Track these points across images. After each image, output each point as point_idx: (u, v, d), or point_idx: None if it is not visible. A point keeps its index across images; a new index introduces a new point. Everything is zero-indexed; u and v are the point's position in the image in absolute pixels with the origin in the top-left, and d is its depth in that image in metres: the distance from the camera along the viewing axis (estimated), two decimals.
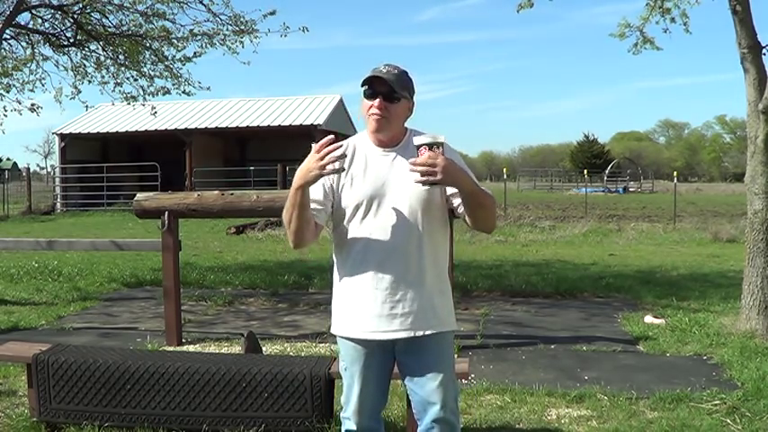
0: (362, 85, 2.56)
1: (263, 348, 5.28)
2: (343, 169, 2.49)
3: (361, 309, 2.59)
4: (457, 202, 2.55)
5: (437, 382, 2.60)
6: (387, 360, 2.68)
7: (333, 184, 2.58)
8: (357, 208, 2.56)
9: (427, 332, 2.58)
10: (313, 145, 2.44)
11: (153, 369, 3.79)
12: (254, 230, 16.46)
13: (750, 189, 6.15)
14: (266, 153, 30.42)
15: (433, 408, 2.60)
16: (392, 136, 2.59)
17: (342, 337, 2.68)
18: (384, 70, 2.54)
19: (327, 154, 2.38)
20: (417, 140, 2.41)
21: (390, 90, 2.52)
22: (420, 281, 2.58)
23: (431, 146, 2.37)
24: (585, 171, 37.00)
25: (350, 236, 2.58)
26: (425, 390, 2.61)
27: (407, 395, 2.96)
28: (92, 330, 6.60)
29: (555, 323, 6.80)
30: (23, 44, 9.45)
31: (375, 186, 2.56)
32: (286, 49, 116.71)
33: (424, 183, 2.38)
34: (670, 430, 3.94)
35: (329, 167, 2.39)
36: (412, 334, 2.58)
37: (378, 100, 2.52)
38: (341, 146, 2.45)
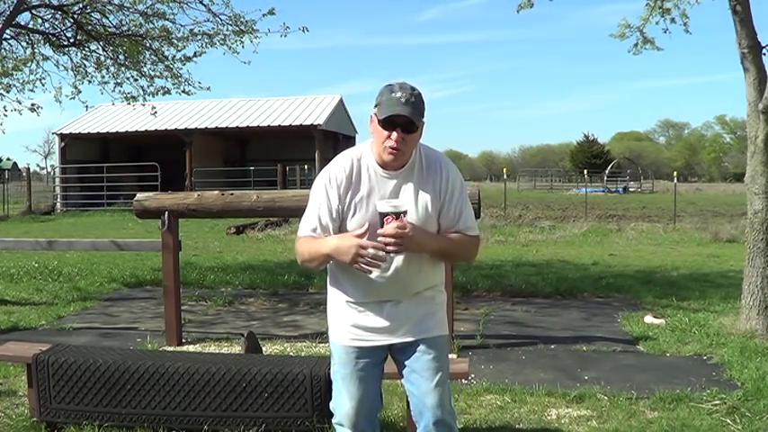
0: (381, 116, 2.45)
1: (263, 348, 5.28)
2: (371, 272, 2.49)
3: (356, 321, 2.63)
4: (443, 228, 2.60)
5: (433, 383, 2.60)
6: (378, 363, 2.70)
7: (340, 208, 2.55)
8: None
9: (420, 337, 2.62)
10: (357, 238, 2.44)
11: (153, 369, 3.79)
12: (254, 230, 16.46)
13: (750, 189, 6.15)
14: (266, 153, 30.46)
15: (431, 409, 2.60)
16: (403, 162, 2.56)
17: (335, 342, 2.71)
18: (403, 100, 2.42)
19: (369, 258, 2.41)
20: (380, 207, 2.43)
21: (410, 122, 2.45)
22: (417, 298, 2.63)
23: (396, 215, 2.40)
24: (585, 171, 36.97)
25: None
26: (422, 390, 2.62)
27: (407, 396, 2.96)
28: (92, 330, 6.60)
29: (555, 323, 6.80)
30: (23, 44, 9.45)
31: (377, 211, 2.55)
32: (286, 49, 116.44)
33: (391, 252, 2.43)
34: (670, 430, 3.94)
35: (364, 267, 2.43)
36: (405, 340, 2.62)
37: (396, 133, 2.45)
38: (384, 258, 2.45)
